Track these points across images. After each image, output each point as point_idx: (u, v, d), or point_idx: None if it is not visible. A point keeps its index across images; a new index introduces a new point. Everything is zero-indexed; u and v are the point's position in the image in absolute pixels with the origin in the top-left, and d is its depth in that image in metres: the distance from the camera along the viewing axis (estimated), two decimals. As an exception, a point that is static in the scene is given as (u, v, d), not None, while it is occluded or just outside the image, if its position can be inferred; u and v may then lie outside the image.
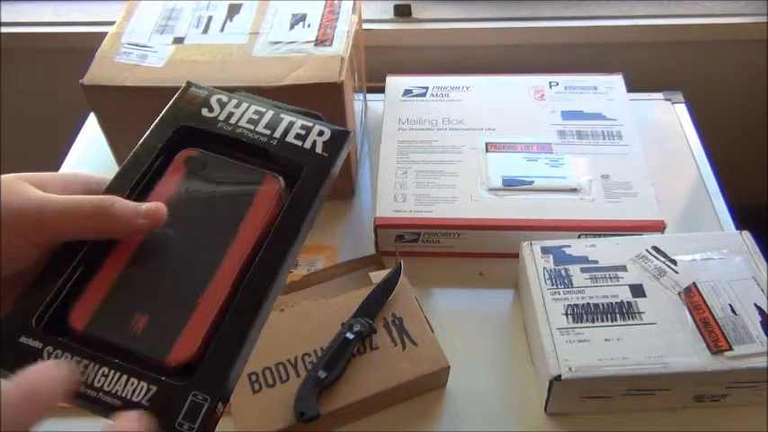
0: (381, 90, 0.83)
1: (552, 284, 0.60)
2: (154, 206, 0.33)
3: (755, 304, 0.57)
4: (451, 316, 0.66)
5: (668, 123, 0.86)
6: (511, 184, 0.70)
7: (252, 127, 0.38)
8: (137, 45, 0.71)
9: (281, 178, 0.37)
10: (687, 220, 0.74)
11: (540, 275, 0.61)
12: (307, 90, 0.64)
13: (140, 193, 0.35)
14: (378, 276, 0.64)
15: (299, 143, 0.38)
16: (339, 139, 0.38)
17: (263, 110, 0.39)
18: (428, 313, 0.61)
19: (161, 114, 0.39)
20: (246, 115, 0.38)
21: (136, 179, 0.36)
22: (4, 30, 1.01)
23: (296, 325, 0.60)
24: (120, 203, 0.32)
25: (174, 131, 0.38)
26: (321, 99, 0.66)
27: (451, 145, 0.75)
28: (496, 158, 0.73)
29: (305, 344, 0.58)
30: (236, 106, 0.39)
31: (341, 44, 0.69)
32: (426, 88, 0.82)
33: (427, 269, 0.69)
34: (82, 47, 0.71)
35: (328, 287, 0.67)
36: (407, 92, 0.82)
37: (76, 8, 1.04)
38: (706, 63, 1.06)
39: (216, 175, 0.37)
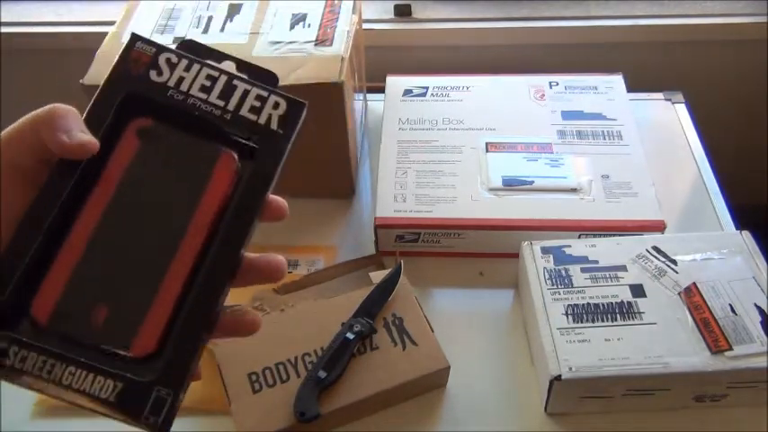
0: (381, 90, 0.83)
1: (552, 284, 0.60)
2: (87, 138, 0.33)
3: (755, 304, 0.57)
4: (451, 316, 0.66)
5: (668, 123, 0.86)
6: (511, 184, 0.70)
7: (204, 96, 0.36)
8: (137, 45, 0.70)
9: (236, 155, 0.36)
10: (687, 220, 0.74)
11: (541, 275, 0.61)
12: (307, 90, 0.64)
13: (94, 167, 0.34)
14: (378, 276, 0.64)
15: (254, 117, 0.36)
16: (295, 112, 0.37)
17: (216, 74, 0.37)
18: (428, 313, 0.61)
19: (107, 76, 0.36)
20: (198, 81, 0.36)
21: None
22: (5, 30, 1.01)
23: (296, 325, 0.60)
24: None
25: (122, 98, 0.36)
26: (321, 99, 0.65)
27: (451, 145, 0.75)
28: (496, 158, 0.73)
29: (305, 344, 0.58)
30: (187, 68, 0.37)
31: (341, 44, 0.69)
32: (426, 88, 0.82)
33: (427, 269, 0.69)
34: (82, 47, 0.71)
35: (328, 287, 0.67)
36: (407, 92, 0.82)
37: (77, 8, 1.04)
38: (706, 63, 1.06)
39: (170, 151, 0.35)
